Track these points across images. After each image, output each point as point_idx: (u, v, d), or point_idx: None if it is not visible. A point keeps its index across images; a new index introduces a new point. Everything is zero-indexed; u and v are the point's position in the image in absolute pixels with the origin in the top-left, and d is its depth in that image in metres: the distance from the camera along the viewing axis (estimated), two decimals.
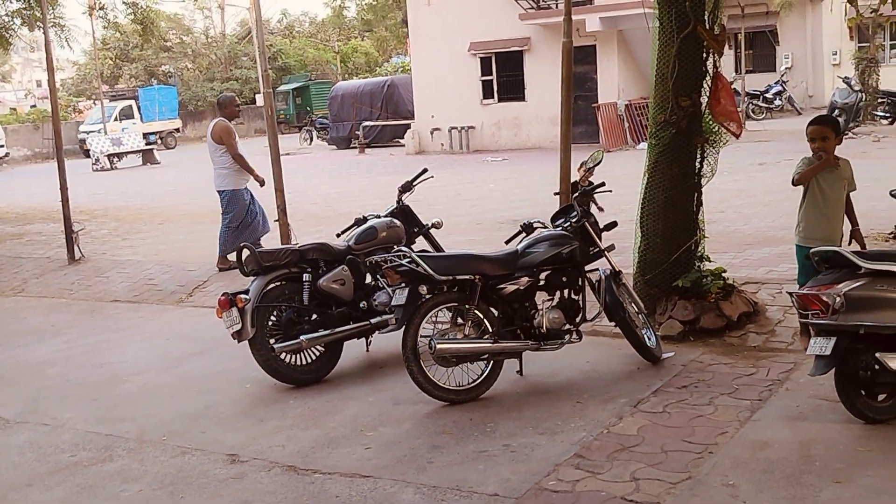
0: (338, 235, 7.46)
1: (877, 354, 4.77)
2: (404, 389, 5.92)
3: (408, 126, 28.98)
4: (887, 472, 4.32)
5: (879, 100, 23.76)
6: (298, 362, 6.48)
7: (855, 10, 8.36)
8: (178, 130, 43.56)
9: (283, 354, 6.37)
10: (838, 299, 4.79)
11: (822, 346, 4.88)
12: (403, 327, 5.64)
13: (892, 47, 28.49)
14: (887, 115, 23.44)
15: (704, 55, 6.70)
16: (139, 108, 41.29)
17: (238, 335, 6.28)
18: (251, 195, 10.26)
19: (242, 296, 6.27)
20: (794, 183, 5.96)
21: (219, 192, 10.18)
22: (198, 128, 49.12)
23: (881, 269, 4.87)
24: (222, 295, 6.36)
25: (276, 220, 9.43)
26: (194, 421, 5.87)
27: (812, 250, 5.27)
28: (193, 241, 12.58)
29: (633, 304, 6.41)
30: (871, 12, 16.63)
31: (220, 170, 10.10)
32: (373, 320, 6.66)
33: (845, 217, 6.08)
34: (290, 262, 6.54)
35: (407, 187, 7.80)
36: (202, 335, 7.98)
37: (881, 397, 4.96)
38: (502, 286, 5.99)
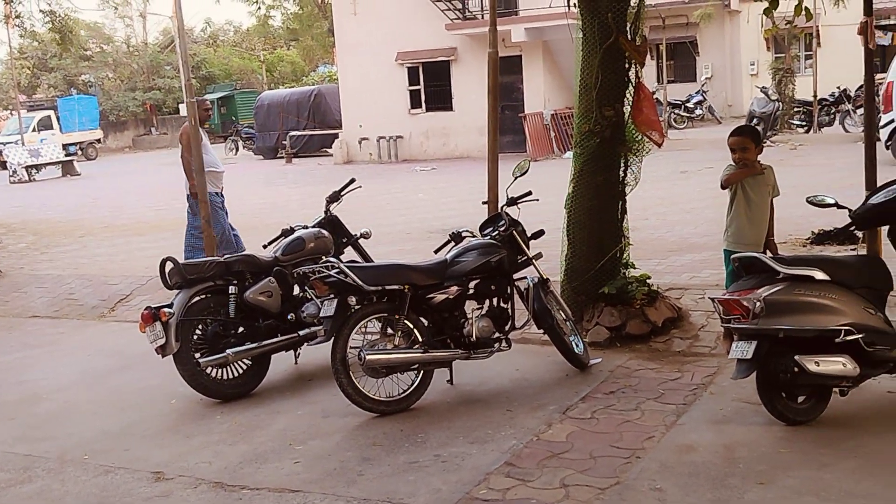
0: (264, 247, 7.37)
1: (796, 357, 4.89)
2: (334, 402, 5.87)
3: (335, 136, 28.83)
4: (808, 473, 4.43)
5: (795, 109, 24.49)
6: (225, 376, 6.38)
7: (771, 22, 8.61)
8: (98, 141, 42.52)
9: (209, 369, 6.27)
10: (758, 304, 4.91)
11: (744, 350, 4.99)
12: (332, 339, 5.59)
13: (807, 58, 29.39)
14: (803, 123, 24.18)
15: (627, 66, 6.82)
16: (58, 119, 40.22)
17: (162, 350, 6.16)
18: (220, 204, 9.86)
19: (166, 310, 6.15)
20: (723, 186, 6.09)
21: (186, 196, 9.82)
22: (119, 138, 48.14)
23: (798, 274, 5.01)
24: (145, 309, 6.23)
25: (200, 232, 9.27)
26: (117, 439, 5.73)
27: (733, 256, 5.40)
28: (115, 255, 12.30)
29: (560, 312, 6.47)
30: (786, 24, 17.15)
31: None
32: (301, 332, 6.59)
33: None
34: (216, 274, 6.44)
35: (335, 197, 7.76)
36: (125, 350, 7.80)
37: (801, 399, 5.10)
38: (432, 295, 5.99)
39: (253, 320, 6.47)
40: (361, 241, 7.65)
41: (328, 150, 29.50)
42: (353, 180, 7.85)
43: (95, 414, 6.27)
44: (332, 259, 6.08)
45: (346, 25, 27.57)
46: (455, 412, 5.69)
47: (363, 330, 5.77)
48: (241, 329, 6.43)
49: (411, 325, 5.84)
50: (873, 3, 7.41)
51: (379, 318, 5.82)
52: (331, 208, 7.63)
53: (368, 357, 5.62)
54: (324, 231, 7.17)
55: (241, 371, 6.44)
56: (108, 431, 5.86)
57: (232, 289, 6.44)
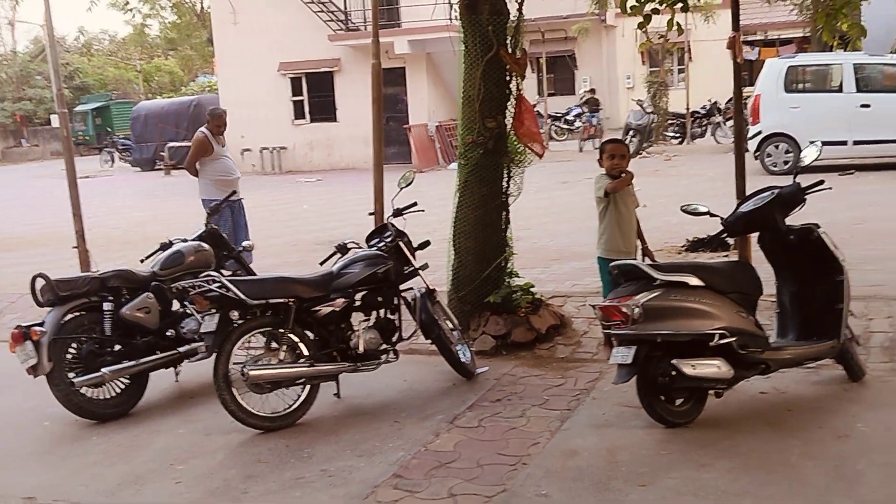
0: (142, 261, 7.13)
1: (673, 361, 5.04)
2: (217, 419, 5.72)
3: None
4: (687, 474, 4.57)
5: (669, 121, 25.38)
6: (101, 396, 6.14)
7: (645, 37, 8.91)
8: None
9: (84, 389, 6.02)
10: (637, 310, 5.04)
11: (624, 355, 5.12)
12: (214, 355, 5.46)
13: (680, 71, 30.51)
14: (677, 135, 25.08)
15: (508, 78, 6.92)
16: None
17: (34, 370, 5.88)
18: (233, 212, 9.44)
19: (37, 328, 5.88)
20: (606, 193, 6.24)
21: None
22: None
23: (674, 280, 5.18)
24: (15, 328, 5.95)
25: (75, 247, 8.93)
26: None
27: (612, 264, 5.54)
28: None
29: (447, 322, 6.50)
30: (660, 38, 17.71)
31: (199, 180, 9.60)
32: (181, 349, 6.41)
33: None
34: (90, 290, 6.19)
35: (216, 210, 7.59)
36: None
37: (679, 402, 5.25)
38: (317, 308, 5.92)
39: (130, 337, 6.25)
40: (244, 254, 7.52)
41: None
42: (233, 192, 7.71)
43: None
44: (213, 273, 5.93)
45: (226, 35, 27.11)
46: (342, 425, 5.63)
47: (246, 345, 5.65)
48: (117, 347, 6.20)
49: (296, 339, 5.75)
50: (741, 20, 7.75)
51: (263, 333, 5.72)
52: (212, 221, 7.46)
53: (252, 372, 5.50)
54: (204, 244, 6.99)
55: (118, 390, 6.21)
56: None
57: (107, 305, 6.21)
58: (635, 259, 5.84)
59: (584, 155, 22.65)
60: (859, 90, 16.33)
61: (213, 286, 5.54)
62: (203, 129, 9.64)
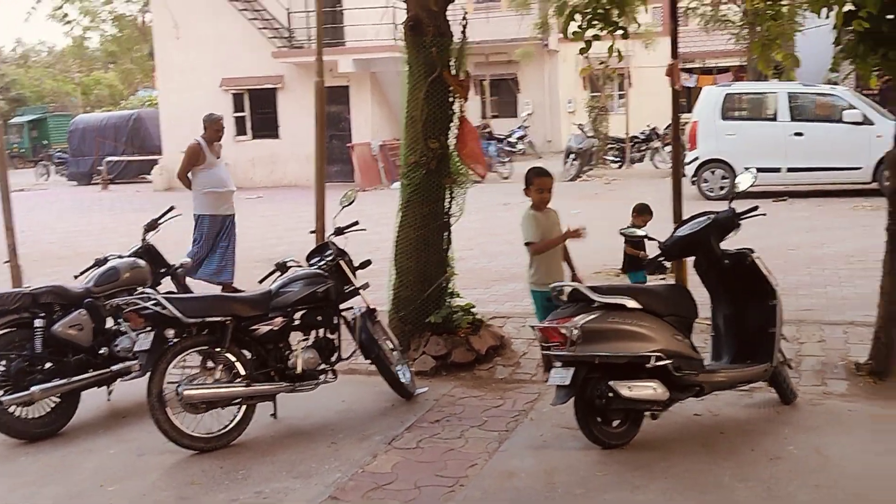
0: (76, 277, 6.99)
1: (610, 383, 5.09)
2: (150, 439, 5.60)
3: (155, 161, 27.90)
4: (622, 495, 4.61)
5: (609, 145, 25.77)
6: (31, 415, 5.97)
7: (587, 62, 9.05)
8: None
9: (13, 407, 5.85)
10: (575, 331, 5.08)
11: (562, 376, 5.15)
12: (148, 374, 5.35)
13: (620, 97, 31.01)
14: (616, 159, 25.46)
15: (451, 100, 6.96)
16: None
17: None
18: (222, 231, 9.26)
19: None
20: (538, 251, 6.13)
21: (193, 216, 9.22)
22: None
23: (612, 302, 5.24)
24: None
25: (7, 262, 8.70)
26: None
27: (552, 285, 5.58)
28: None
29: (388, 342, 6.47)
30: (601, 64, 18.05)
31: (193, 193, 9.24)
32: (114, 367, 6.26)
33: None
34: (21, 306, 6.03)
35: (153, 226, 7.49)
36: None
37: (615, 423, 5.30)
38: (255, 327, 5.86)
39: (62, 355, 6.09)
40: (181, 271, 7.41)
41: (147, 176, 28.48)
42: (172, 208, 7.61)
43: None
44: (148, 290, 5.82)
45: (168, 49, 26.81)
46: (279, 446, 5.56)
47: (182, 364, 5.56)
48: (48, 365, 6.04)
49: (233, 358, 5.67)
50: (679, 48, 7.92)
51: (199, 352, 5.63)
52: (148, 237, 7.37)
53: (187, 392, 5.41)
54: (140, 261, 6.87)
55: (48, 409, 6.04)
56: None
57: (38, 322, 6.05)
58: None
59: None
60: (793, 119, 16.78)
61: (149, 304, 5.44)
62: (198, 137, 9.33)
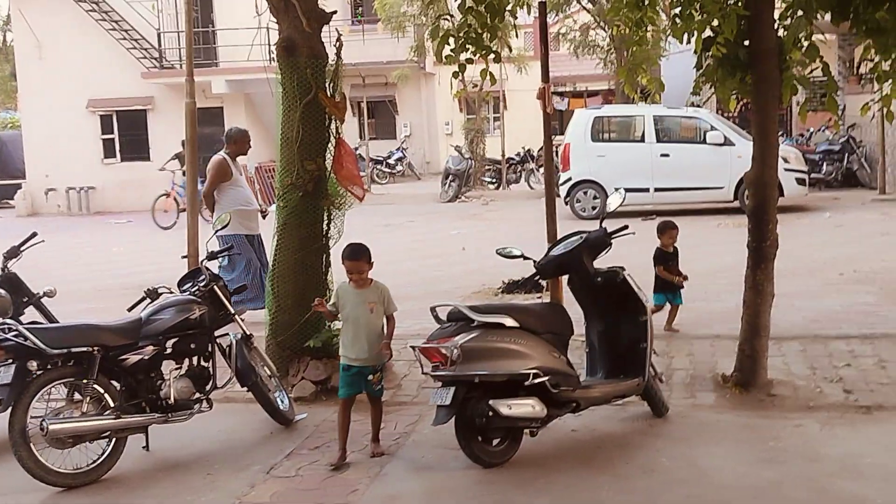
0: None
1: (490, 402, 5.13)
2: (12, 477, 5.30)
3: (18, 186, 26.69)
4: None
5: (486, 167, 26.13)
6: None
7: (461, 85, 9.17)
8: None
9: None
10: (455, 351, 5.11)
11: (443, 396, 5.16)
12: (10, 409, 5.09)
13: (496, 119, 31.53)
14: (493, 180, 25.83)
15: (327, 121, 6.92)
16: None
17: None
18: (253, 250, 8.60)
19: None
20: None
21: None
22: None
23: (491, 322, 5.29)
24: None
25: None
26: None
27: (432, 306, 5.58)
28: None
29: (265, 368, 6.35)
30: (474, 87, 18.22)
31: (216, 212, 8.46)
32: None
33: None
34: None
35: (14, 253, 7.16)
36: None
37: (496, 442, 5.35)
38: (125, 357, 5.64)
39: None
40: (45, 300, 7.10)
41: (10, 201, 27.19)
42: (34, 234, 7.30)
43: None
44: (9, 321, 5.53)
45: (30, 69, 25.74)
46: (151, 480, 5.36)
47: (46, 397, 5.30)
48: None
49: (101, 390, 5.44)
50: (551, 71, 8.11)
51: (65, 384, 5.39)
52: (9, 265, 7.04)
53: (52, 426, 5.16)
54: (0, 290, 6.55)
55: None
56: None
57: None
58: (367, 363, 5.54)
59: (405, 198, 22.95)
60: (659, 140, 17.43)
61: (9, 335, 5.20)
62: (221, 152, 8.80)
